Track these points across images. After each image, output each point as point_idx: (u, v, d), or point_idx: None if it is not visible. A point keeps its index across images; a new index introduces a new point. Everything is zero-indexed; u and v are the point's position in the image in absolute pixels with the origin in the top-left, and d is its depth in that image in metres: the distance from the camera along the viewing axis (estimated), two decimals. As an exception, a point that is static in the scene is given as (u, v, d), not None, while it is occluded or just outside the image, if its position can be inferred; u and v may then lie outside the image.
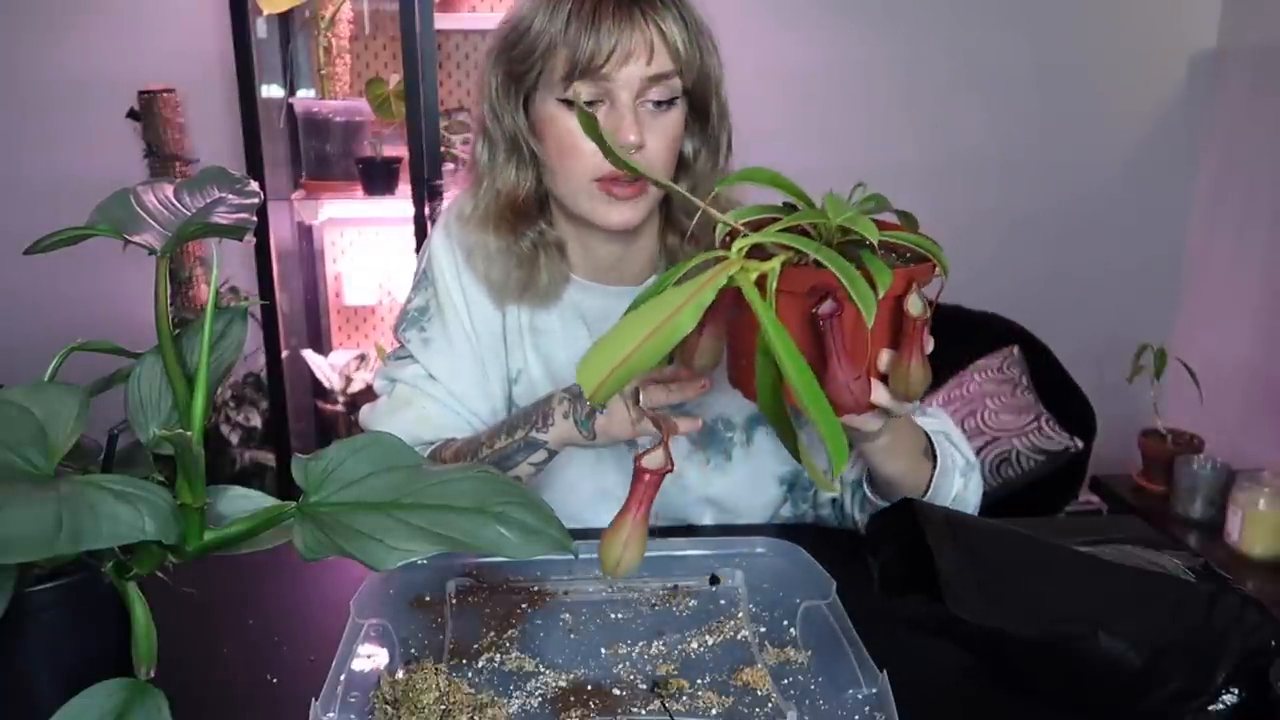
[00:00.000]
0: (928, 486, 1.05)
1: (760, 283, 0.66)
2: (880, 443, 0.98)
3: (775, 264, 0.66)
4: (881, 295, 0.64)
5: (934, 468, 1.05)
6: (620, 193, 1.03)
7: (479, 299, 1.16)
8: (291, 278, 2.55)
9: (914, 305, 0.71)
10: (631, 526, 0.68)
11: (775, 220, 0.71)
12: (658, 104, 1.02)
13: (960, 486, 1.07)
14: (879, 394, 0.78)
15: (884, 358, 0.76)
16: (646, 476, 0.69)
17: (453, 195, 1.22)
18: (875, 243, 0.69)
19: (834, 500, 1.19)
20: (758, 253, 0.69)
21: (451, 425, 1.16)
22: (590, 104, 1.01)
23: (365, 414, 1.20)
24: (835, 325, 0.67)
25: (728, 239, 0.70)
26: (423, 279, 1.20)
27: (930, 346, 0.77)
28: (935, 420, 1.11)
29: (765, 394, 0.69)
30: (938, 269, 0.73)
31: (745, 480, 1.17)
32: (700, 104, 1.08)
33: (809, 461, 0.71)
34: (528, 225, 1.12)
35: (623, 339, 0.58)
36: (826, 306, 0.66)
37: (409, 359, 1.18)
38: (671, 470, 0.70)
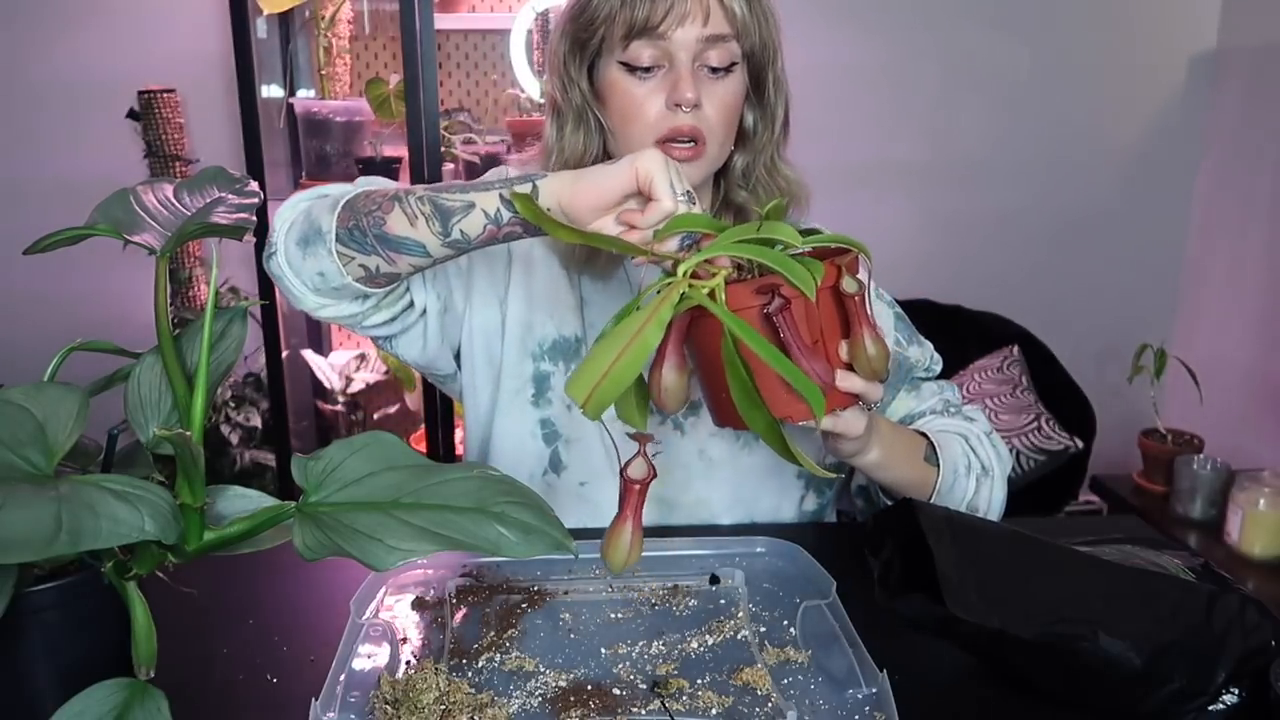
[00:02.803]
0: (932, 491, 1.05)
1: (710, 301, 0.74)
2: (870, 458, 1.00)
3: (719, 279, 0.74)
4: (818, 285, 0.72)
5: (938, 474, 1.05)
6: (678, 153, 1.04)
7: (555, 262, 1.16)
8: (291, 278, 2.55)
9: (848, 284, 0.78)
10: (631, 530, 0.74)
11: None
12: (715, 70, 1.04)
13: (971, 491, 1.08)
14: (849, 381, 0.83)
15: (842, 348, 0.82)
16: (635, 487, 0.75)
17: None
18: (801, 246, 0.76)
19: (862, 488, 1.20)
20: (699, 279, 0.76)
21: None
22: (649, 68, 1.04)
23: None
24: (788, 319, 0.73)
25: (672, 267, 0.77)
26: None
27: (881, 330, 0.85)
28: (962, 422, 1.12)
29: (742, 401, 0.73)
30: (861, 256, 0.81)
31: (768, 463, 1.16)
32: (757, 74, 1.10)
33: (802, 458, 0.75)
34: None
35: (600, 359, 0.67)
36: (775, 304, 0.73)
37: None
38: (655, 477, 0.75)
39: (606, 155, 1.13)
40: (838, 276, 0.78)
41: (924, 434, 1.09)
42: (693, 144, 1.04)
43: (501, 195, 0.89)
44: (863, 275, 0.82)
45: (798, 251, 0.79)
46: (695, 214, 0.81)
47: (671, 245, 0.79)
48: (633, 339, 0.67)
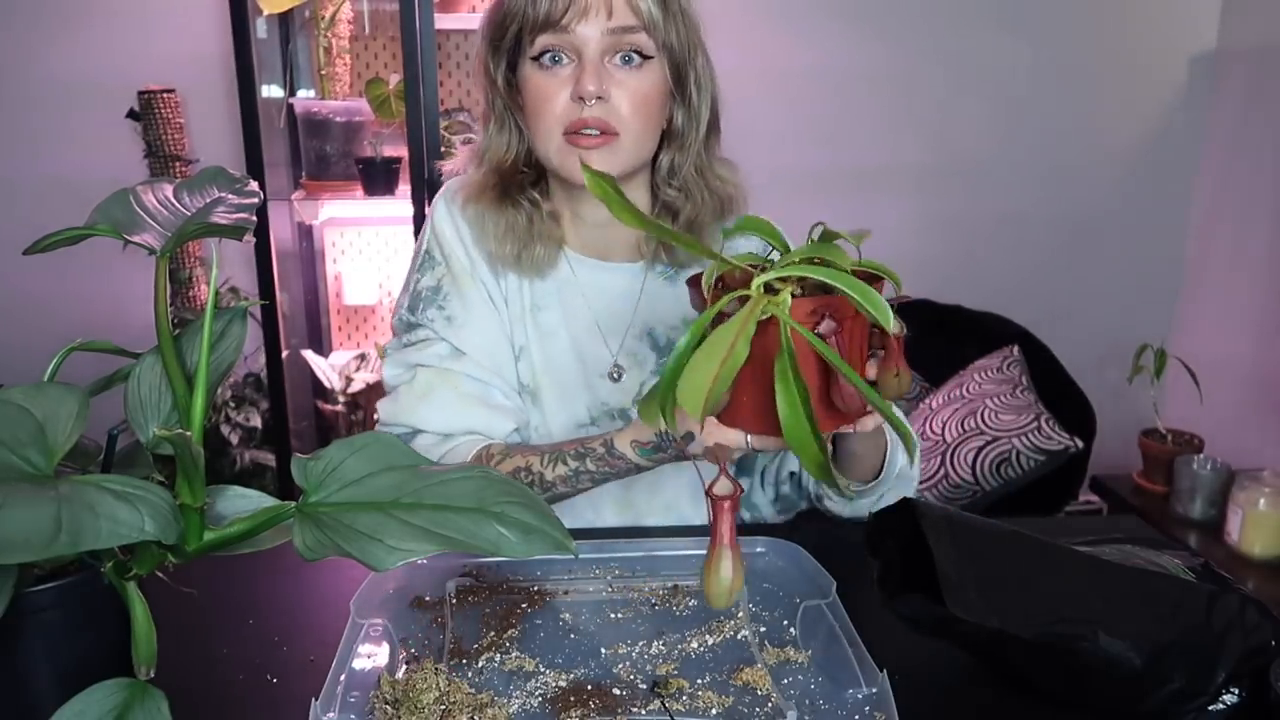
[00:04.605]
0: (882, 462, 1.06)
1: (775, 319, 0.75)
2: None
3: (785, 295, 0.74)
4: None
5: (887, 443, 1.07)
6: (586, 143, 1.06)
7: (486, 272, 1.17)
8: (291, 278, 2.55)
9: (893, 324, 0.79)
10: (731, 556, 0.74)
11: (758, 267, 0.80)
12: (626, 61, 1.06)
13: (905, 462, 1.09)
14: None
15: (870, 369, 0.85)
16: (726, 504, 0.74)
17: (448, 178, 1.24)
18: (849, 270, 0.77)
19: (791, 475, 1.22)
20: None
21: (491, 402, 1.15)
22: (559, 63, 1.05)
23: (387, 408, 1.17)
24: (838, 341, 0.74)
25: (718, 282, 0.78)
26: (427, 259, 1.19)
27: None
28: None
29: (790, 417, 0.73)
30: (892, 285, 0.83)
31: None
32: (677, 71, 1.10)
33: (836, 475, 0.76)
34: (519, 192, 1.15)
35: (702, 371, 0.67)
36: (827, 325, 0.74)
37: (427, 340, 1.16)
38: (742, 492, 0.75)
39: (530, 159, 1.15)
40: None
41: None
42: (600, 133, 1.06)
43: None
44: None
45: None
46: (769, 223, 0.83)
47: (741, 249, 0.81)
48: (728, 352, 0.68)
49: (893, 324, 0.78)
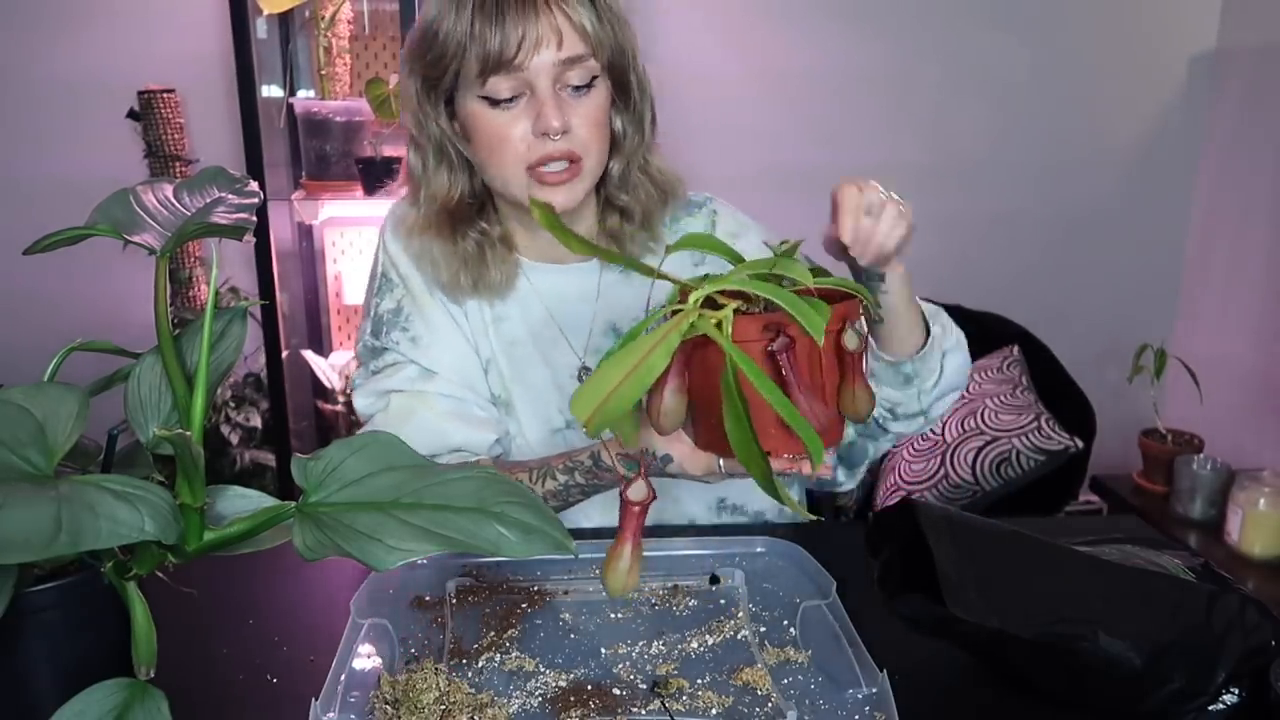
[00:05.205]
0: (925, 334, 1.08)
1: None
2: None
3: (728, 310, 0.74)
4: (826, 328, 0.73)
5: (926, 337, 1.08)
6: (553, 178, 1.05)
7: (441, 294, 1.16)
8: (291, 278, 2.55)
9: (850, 339, 0.78)
10: (629, 555, 0.75)
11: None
12: (577, 88, 1.04)
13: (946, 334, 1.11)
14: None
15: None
16: (635, 508, 0.75)
17: (395, 198, 1.21)
18: (811, 287, 0.76)
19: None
20: (709, 309, 0.77)
21: (468, 417, 1.15)
22: (511, 98, 1.03)
23: None
24: (790, 358, 0.74)
25: (682, 295, 0.77)
26: (384, 282, 1.19)
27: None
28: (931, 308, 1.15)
29: (735, 432, 0.73)
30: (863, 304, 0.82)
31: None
32: (620, 80, 1.09)
33: (785, 494, 0.75)
34: (468, 226, 1.13)
35: (606, 378, 0.68)
36: (780, 342, 0.74)
37: (396, 365, 1.16)
38: (655, 499, 0.76)
39: (474, 190, 1.12)
40: (842, 325, 0.78)
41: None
42: (567, 165, 1.04)
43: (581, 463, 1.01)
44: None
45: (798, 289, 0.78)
46: (713, 238, 0.83)
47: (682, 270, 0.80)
48: (639, 362, 0.68)
49: (853, 340, 0.78)
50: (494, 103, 1.03)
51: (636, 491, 0.75)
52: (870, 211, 0.94)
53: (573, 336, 1.18)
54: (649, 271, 0.79)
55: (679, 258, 0.98)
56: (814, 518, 0.84)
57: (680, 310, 0.73)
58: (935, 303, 1.18)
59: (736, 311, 0.75)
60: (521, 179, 1.06)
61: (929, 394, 1.10)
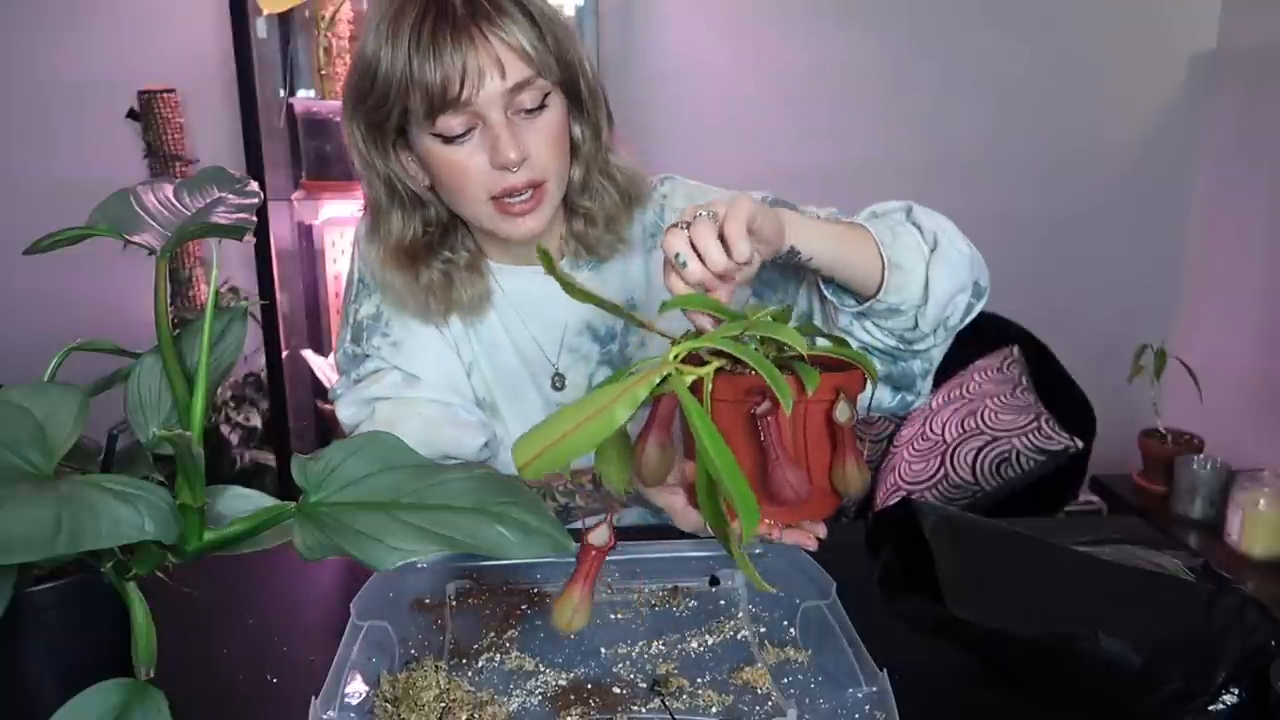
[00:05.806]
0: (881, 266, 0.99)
1: (698, 390, 0.71)
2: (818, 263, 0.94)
3: (709, 369, 0.71)
4: (811, 395, 0.70)
5: (883, 268, 0.99)
6: (518, 208, 1.02)
7: None
8: (291, 278, 2.55)
9: (841, 413, 0.75)
10: (580, 595, 0.73)
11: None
12: (530, 110, 1.00)
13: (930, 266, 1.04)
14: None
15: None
16: (594, 553, 0.73)
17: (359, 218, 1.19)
18: (804, 353, 0.73)
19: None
20: (695, 364, 0.74)
21: (456, 421, 1.14)
22: (465, 133, 1.00)
23: None
24: (771, 424, 0.71)
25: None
26: (361, 287, 1.18)
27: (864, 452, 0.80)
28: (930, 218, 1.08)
29: (702, 495, 0.71)
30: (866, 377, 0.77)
31: None
32: (572, 91, 1.06)
33: (746, 565, 0.71)
34: (432, 257, 1.11)
35: (559, 424, 0.63)
36: (763, 407, 0.71)
37: (378, 372, 1.14)
38: (614, 547, 0.73)
39: (437, 217, 1.10)
40: (836, 396, 0.75)
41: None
42: (530, 192, 1.02)
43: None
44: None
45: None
46: (705, 297, 0.79)
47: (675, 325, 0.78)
48: (598, 412, 0.64)
49: (844, 414, 0.74)
50: (447, 140, 1.00)
51: (598, 537, 0.73)
52: (678, 258, 0.80)
53: (547, 341, 1.17)
54: (640, 324, 0.77)
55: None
56: (770, 588, 0.80)
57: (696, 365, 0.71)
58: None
59: (719, 371, 0.73)
60: (487, 210, 1.03)
61: (928, 312, 1.03)
